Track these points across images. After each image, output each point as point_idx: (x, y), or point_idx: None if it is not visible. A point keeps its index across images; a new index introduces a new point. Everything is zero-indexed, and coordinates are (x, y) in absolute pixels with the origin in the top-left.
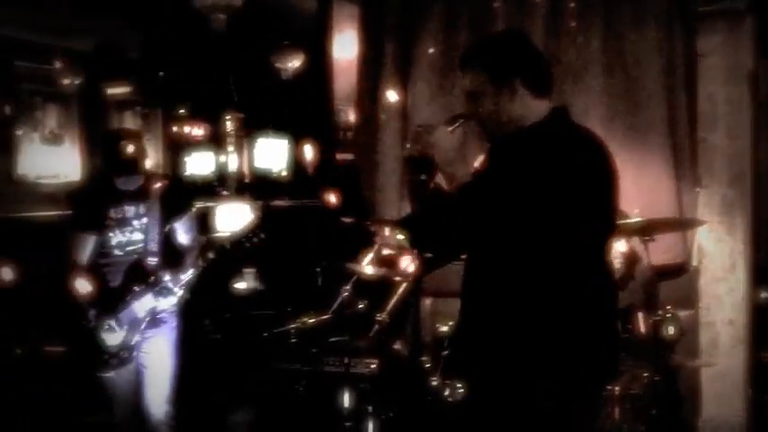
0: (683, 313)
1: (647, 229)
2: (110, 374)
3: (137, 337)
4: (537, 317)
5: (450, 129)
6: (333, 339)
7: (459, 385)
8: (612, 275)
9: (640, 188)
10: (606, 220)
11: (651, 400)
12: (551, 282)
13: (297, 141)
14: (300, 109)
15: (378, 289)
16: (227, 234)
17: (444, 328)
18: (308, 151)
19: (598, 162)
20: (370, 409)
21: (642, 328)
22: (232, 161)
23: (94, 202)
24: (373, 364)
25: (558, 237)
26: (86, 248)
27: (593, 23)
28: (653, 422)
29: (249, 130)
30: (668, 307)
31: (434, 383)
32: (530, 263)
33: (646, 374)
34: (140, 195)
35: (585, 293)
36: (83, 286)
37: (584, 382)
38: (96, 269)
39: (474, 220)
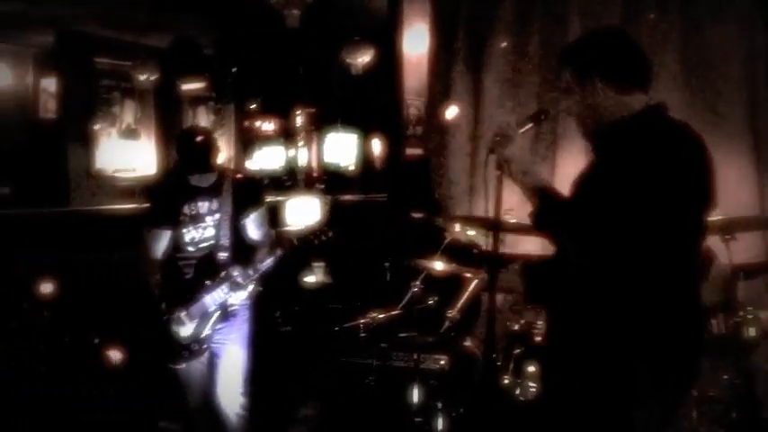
0: (764, 314)
1: (728, 228)
2: (182, 366)
3: (207, 331)
4: (639, 310)
5: (521, 130)
6: (402, 335)
7: (531, 384)
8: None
9: (721, 185)
10: (703, 216)
11: (730, 404)
12: (656, 277)
13: (366, 136)
14: (370, 104)
15: (448, 285)
16: (297, 228)
17: (516, 326)
18: (378, 146)
19: (699, 157)
20: (439, 405)
21: (722, 329)
22: (302, 156)
23: (169, 198)
24: (443, 360)
25: (662, 232)
26: (161, 243)
27: (672, 14)
28: (732, 426)
29: (319, 125)
30: (749, 308)
31: (506, 382)
32: (637, 259)
33: (725, 377)
34: (213, 192)
35: (688, 289)
36: (156, 280)
37: (670, 379)
38: (171, 263)
39: (590, 225)
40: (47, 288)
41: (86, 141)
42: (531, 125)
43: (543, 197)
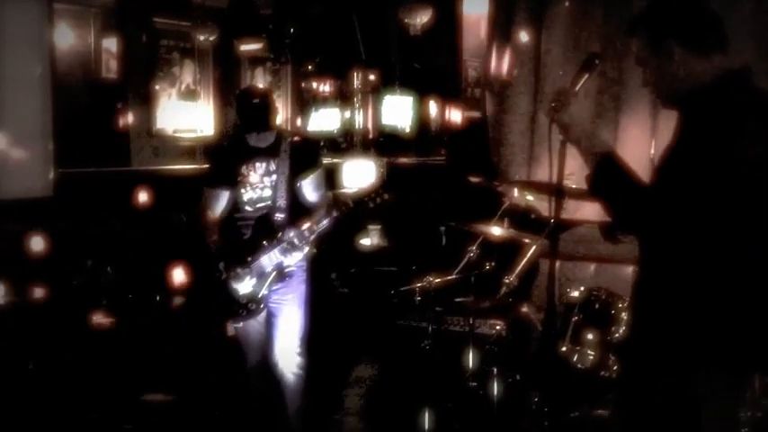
0: None
1: None
2: (239, 324)
3: (264, 290)
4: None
5: (576, 87)
6: (458, 299)
7: (590, 352)
8: None
9: None
10: None
11: None
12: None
13: (423, 98)
14: (428, 65)
15: (505, 250)
16: (353, 191)
17: (575, 293)
18: (435, 108)
19: None
20: (494, 370)
21: None
22: (358, 117)
23: (227, 158)
24: (498, 325)
25: (746, 224)
26: (219, 203)
27: None
28: None
29: (376, 87)
30: None
31: (563, 349)
32: (720, 248)
33: None
34: (271, 152)
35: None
36: (215, 239)
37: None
38: (229, 223)
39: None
40: (110, 246)
41: (147, 101)
42: (585, 76)
43: (605, 164)
